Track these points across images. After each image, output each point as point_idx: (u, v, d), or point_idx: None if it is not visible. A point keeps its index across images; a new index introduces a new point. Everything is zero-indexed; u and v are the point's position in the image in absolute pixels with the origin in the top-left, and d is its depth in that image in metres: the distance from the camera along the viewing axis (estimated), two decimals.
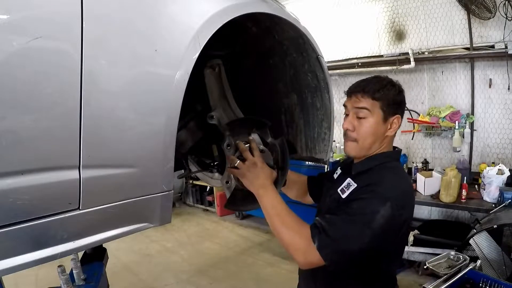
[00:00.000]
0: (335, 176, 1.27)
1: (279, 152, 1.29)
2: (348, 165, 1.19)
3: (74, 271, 0.99)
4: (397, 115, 1.11)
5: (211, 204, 5.69)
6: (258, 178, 1.12)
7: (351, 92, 1.13)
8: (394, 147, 1.19)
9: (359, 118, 1.10)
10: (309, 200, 1.52)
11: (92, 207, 0.76)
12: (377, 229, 0.95)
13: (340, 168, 1.27)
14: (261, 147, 1.24)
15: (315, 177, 1.51)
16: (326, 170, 3.84)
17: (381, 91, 1.09)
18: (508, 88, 3.29)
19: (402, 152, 3.92)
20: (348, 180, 1.12)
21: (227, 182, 1.22)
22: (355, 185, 1.08)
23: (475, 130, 3.53)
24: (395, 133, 1.14)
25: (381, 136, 1.11)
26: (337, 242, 0.96)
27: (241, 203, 1.20)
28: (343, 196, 1.09)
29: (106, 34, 0.74)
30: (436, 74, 3.75)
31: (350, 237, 0.96)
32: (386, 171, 1.09)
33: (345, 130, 1.13)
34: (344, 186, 1.11)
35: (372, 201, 0.98)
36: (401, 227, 1.03)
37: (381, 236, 0.97)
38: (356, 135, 1.11)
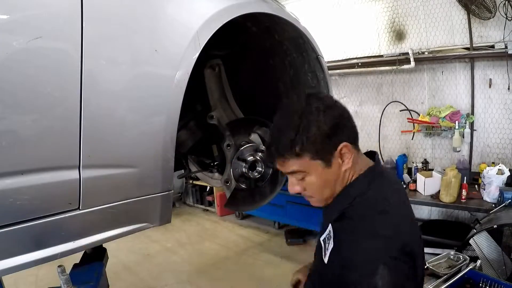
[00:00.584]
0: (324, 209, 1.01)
1: None
2: None
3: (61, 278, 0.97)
4: (341, 144, 0.84)
5: (211, 204, 5.69)
6: None
7: (269, 160, 0.92)
8: (367, 153, 0.97)
9: (300, 180, 0.89)
10: None
11: (92, 207, 0.76)
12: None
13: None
14: (262, 147, 1.25)
15: None
16: None
17: (297, 142, 0.82)
18: (508, 88, 3.29)
19: (402, 152, 3.97)
20: (329, 227, 0.92)
21: (227, 182, 1.23)
22: (332, 244, 0.88)
23: (475, 130, 3.53)
24: (352, 159, 0.87)
25: (337, 177, 0.88)
26: None
27: (241, 203, 1.20)
28: (325, 259, 0.90)
29: (106, 34, 0.74)
30: (436, 74, 3.75)
31: None
32: (358, 213, 0.86)
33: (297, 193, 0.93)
34: (326, 236, 0.93)
35: (357, 276, 0.78)
36: (414, 272, 0.81)
37: None
38: (309, 193, 0.91)
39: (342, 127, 0.85)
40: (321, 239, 0.94)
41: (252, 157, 1.22)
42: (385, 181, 0.93)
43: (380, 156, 3.99)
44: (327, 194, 0.90)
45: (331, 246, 0.88)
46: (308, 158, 0.83)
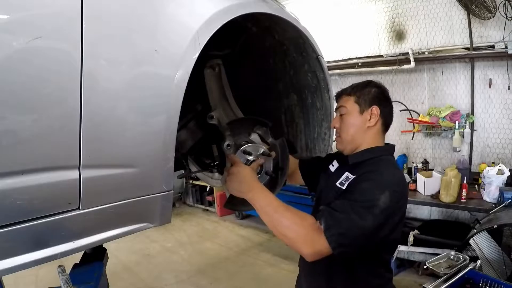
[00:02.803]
0: (332, 168, 1.30)
1: (279, 153, 1.29)
2: (344, 158, 1.24)
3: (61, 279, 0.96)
4: (373, 106, 1.18)
5: (211, 204, 5.69)
6: (241, 184, 1.08)
7: (336, 96, 1.30)
8: (387, 143, 1.25)
9: (341, 116, 1.22)
10: (298, 181, 1.49)
11: (92, 207, 0.76)
12: (378, 215, 0.99)
13: (337, 161, 1.30)
14: (262, 148, 1.24)
15: (307, 161, 1.49)
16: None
17: (355, 88, 1.23)
18: (508, 88, 3.29)
19: (402, 152, 3.97)
20: (346, 173, 1.17)
21: (226, 182, 1.22)
22: (353, 176, 1.13)
23: (475, 130, 3.53)
24: (380, 125, 1.20)
25: (361, 128, 1.19)
26: (341, 224, 0.97)
27: (241, 202, 1.20)
28: (343, 188, 1.13)
29: (106, 34, 0.74)
30: (436, 74, 3.75)
31: (353, 220, 0.97)
32: (382, 163, 1.15)
33: (333, 129, 1.27)
34: (342, 180, 1.16)
35: (371, 189, 1.03)
36: (400, 216, 1.08)
37: (383, 222, 1.01)
38: (340, 130, 1.22)
39: (382, 100, 1.21)
40: (337, 183, 1.17)
41: (252, 157, 1.22)
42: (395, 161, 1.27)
43: None
44: (349, 136, 1.20)
45: (350, 178, 1.13)
46: (353, 100, 1.20)
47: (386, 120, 1.22)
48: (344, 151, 1.23)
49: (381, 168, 1.12)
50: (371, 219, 0.98)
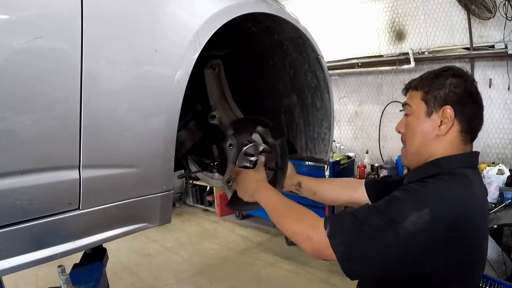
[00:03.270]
0: None
1: (279, 153, 1.30)
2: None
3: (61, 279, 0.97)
4: (446, 106, 0.85)
5: (211, 204, 5.69)
6: (247, 191, 1.08)
7: (404, 90, 1.01)
8: (473, 152, 0.91)
9: (406, 117, 0.95)
10: (357, 199, 1.22)
11: (92, 207, 0.76)
12: (403, 237, 0.72)
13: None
14: (262, 146, 1.25)
15: (374, 183, 1.25)
16: (326, 171, 3.85)
17: (425, 78, 0.90)
18: (508, 88, 3.29)
19: None
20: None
21: (228, 182, 1.22)
22: None
23: None
24: (456, 133, 0.87)
25: (429, 136, 0.88)
26: (350, 231, 0.78)
27: (243, 202, 1.20)
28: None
29: (106, 34, 0.74)
30: None
31: (366, 231, 0.76)
32: (444, 176, 0.81)
33: (398, 133, 0.99)
34: None
35: (405, 201, 0.77)
36: (455, 252, 0.75)
37: (409, 250, 0.73)
38: (404, 137, 0.95)
39: (463, 103, 0.85)
40: None
41: (254, 157, 1.22)
42: (475, 175, 0.87)
43: (380, 156, 4.00)
44: (413, 147, 0.92)
45: None
46: (420, 96, 0.90)
47: (470, 125, 0.87)
48: (409, 167, 0.96)
49: (436, 182, 0.80)
50: (392, 238, 0.73)
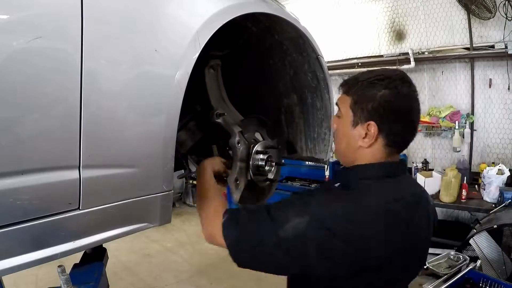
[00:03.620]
0: None
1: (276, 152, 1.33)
2: None
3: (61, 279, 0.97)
4: (370, 122, 0.83)
5: None
6: (202, 192, 1.05)
7: (340, 85, 0.96)
8: (390, 162, 0.89)
9: (337, 118, 0.94)
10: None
11: (92, 207, 0.76)
12: (283, 239, 0.76)
13: None
14: (269, 144, 1.28)
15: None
16: (326, 171, 3.86)
17: (360, 86, 0.86)
18: (508, 88, 3.29)
19: (402, 152, 3.95)
20: None
21: (236, 181, 1.21)
22: None
23: (475, 130, 3.53)
24: (380, 146, 0.86)
25: (353, 145, 0.88)
26: (241, 224, 0.85)
27: (250, 201, 1.21)
28: None
29: (106, 34, 0.74)
30: (436, 74, 3.75)
31: (253, 220, 0.83)
32: (343, 195, 0.83)
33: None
34: None
35: (292, 206, 0.81)
36: (329, 252, 0.76)
37: (289, 252, 0.78)
38: (334, 135, 0.96)
39: (391, 118, 0.83)
40: None
41: (265, 155, 1.24)
42: (396, 183, 0.87)
43: None
44: (342, 149, 0.93)
45: None
46: (349, 103, 0.87)
47: (396, 140, 0.86)
48: (342, 163, 0.98)
49: (332, 194, 0.84)
50: (273, 235, 0.77)
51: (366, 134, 0.85)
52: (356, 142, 0.87)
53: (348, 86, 0.90)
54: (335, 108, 1.24)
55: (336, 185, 0.89)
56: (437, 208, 3.58)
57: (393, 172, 0.88)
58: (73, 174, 0.72)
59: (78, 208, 0.74)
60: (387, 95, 0.82)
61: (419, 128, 3.79)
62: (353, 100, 0.86)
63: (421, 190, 0.94)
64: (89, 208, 0.76)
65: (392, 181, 0.86)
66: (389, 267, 0.81)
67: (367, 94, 0.84)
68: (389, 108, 0.82)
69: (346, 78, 0.95)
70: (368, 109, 0.84)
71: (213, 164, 1.14)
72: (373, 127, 0.83)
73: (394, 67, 3.81)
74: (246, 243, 0.83)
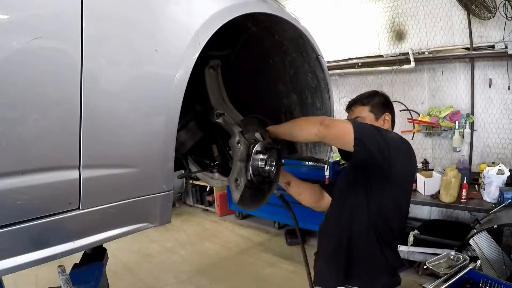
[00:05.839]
0: None
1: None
2: None
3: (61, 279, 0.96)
4: (386, 113, 1.47)
5: (211, 204, 5.69)
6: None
7: (348, 107, 1.53)
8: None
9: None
10: (323, 206, 1.62)
11: (92, 207, 0.76)
12: (384, 135, 1.24)
13: None
14: (269, 144, 1.27)
15: (329, 184, 1.71)
16: (326, 171, 3.86)
17: (368, 98, 1.47)
18: (508, 88, 3.29)
19: None
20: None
21: (236, 181, 1.21)
22: None
23: (475, 130, 3.53)
24: (389, 128, 1.47)
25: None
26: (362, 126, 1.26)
27: (249, 201, 1.21)
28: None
29: (106, 34, 0.74)
30: (436, 74, 3.75)
31: (367, 129, 1.26)
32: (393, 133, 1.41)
33: None
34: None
35: (372, 128, 1.27)
36: (396, 163, 1.26)
37: (388, 145, 1.22)
38: None
39: (390, 109, 1.51)
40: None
41: (265, 155, 1.23)
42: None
43: None
44: None
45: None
46: (368, 109, 1.46)
47: (393, 123, 1.52)
48: None
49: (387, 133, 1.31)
50: (378, 135, 1.22)
51: (384, 121, 1.46)
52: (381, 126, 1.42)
53: (360, 100, 1.49)
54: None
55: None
56: (437, 208, 3.60)
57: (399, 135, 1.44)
58: (73, 174, 0.72)
59: (78, 208, 0.74)
60: (385, 99, 1.51)
61: (419, 128, 3.79)
62: (370, 106, 1.46)
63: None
64: (89, 208, 0.76)
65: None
66: (407, 183, 1.42)
67: (376, 99, 1.48)
68: (389, 104, 1.51)
69: (348, 100, 1.55)
70: (381, 107, 1.47)
71: None
72: (387, 115, 1.47)
73: (392, 67, 3.81)
74: (366, 132, 1.24)
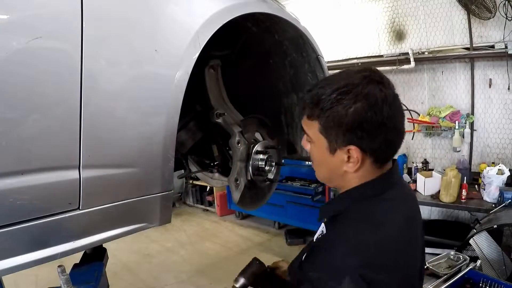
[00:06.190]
0: None
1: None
2: None
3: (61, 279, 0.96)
4: (349, 147, 0.71)
5: (211, 204, 5.69)
6: None
7: (299, 105, 0.86)
8: (387, 173, 0.78)
9: (306, 141, 0.80)
10: None
11: (92, 207, 0.76)
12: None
13: None
14: (269, 144, 1.27)
15: None
16: None
17: (321, 104, 0.70)
18: (508, 88, 3.29)
19: (402, 152, 3.97)
20: (322, 226, 0.84)
21: (236, 180, 1.21)
22: (325, 232, 0.82)
23: (475, 130, 3.53)
24: (369, 165, 0.74)
25: (337, 171, 0.76)
26: None
27: (249, 201, 1.21)
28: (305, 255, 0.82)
29: (106, 34, 0.74)
30: (436, 74, 3.75)
31: None
32: (351, 221, 0.74)
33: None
34: (318, 236, 0.85)
35: (324, 277, 0.69)
36: None
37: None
38: (311, 158, 0.82)
39: (367, 131, 0.69)
40: (315, 237, 0.86)
41: (265, 155, 1.24)
42: (397, 193, 0.79)
43: None
44: (323, 174, 0.81)
45: (320, 236, 0.83)
46: (317, 128, 0.73)
47: (383, 154, 0.74)
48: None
49: (343, 234, 0.72)
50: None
51: (348, 157, 0.73)
52: (339, 168, 0.75)
53: (310, 108, 0.74)
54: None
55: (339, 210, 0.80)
56: (437, 208, 3.60)
57: (393, 181, 0.80)
58: (73, 174, 0.72)
59: (78, 208, 0.74)
60: (359, 110, 0.67)
61: (419, 128, 3.79)
62: (321, 125, 0.72)
63: (410, 190, 0.89)
64: (89, 208, 0.76)
65: (391, 196, 0.78)
66: (413, 270, 0.78)
67: (335, 115, 0.69)
68: (367, 124, 0.68)
69: (304, 94, 0.77)
70: (342, 132, 0.70)
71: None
72: (354, 151, 0.71)
73: (392, 67, 3.81)
74: None
